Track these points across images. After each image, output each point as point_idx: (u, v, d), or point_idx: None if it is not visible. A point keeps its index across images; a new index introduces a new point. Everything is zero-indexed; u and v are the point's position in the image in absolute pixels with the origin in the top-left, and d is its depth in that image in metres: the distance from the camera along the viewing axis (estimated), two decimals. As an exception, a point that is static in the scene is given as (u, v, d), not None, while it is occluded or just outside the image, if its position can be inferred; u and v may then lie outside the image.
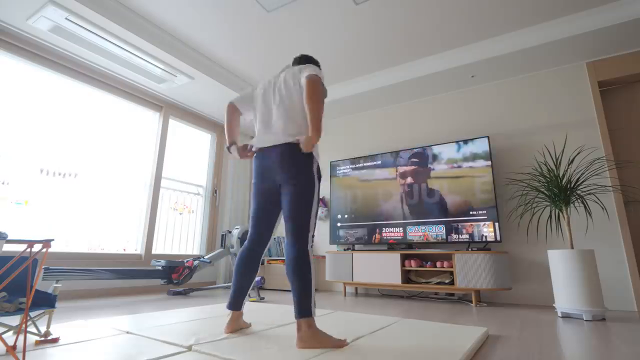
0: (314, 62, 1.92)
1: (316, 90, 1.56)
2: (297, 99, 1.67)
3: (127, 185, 3.76)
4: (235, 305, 1.64)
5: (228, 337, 1.52)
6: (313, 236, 1.58)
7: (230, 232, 4.19)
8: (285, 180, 1.59)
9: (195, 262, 3.58)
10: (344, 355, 1.26)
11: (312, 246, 1.56)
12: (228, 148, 1.82)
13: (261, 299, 3.11)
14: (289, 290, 4.07)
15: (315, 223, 1.61)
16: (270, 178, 1.64)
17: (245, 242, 1.72)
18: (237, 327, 1.65)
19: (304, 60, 1.90)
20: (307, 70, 1.65)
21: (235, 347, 1.37)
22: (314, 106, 1.54)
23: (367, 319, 2.02)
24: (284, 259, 4.29)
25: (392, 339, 1.53)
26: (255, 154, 1.71)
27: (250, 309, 2.45)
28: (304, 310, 1.40)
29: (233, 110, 1.86)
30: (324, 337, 1.37)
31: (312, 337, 1.36)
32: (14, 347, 1.24)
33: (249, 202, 5.11)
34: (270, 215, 1.69)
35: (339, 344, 1.37)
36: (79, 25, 2.82)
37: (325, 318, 2.07)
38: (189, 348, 1.35)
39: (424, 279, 3.29)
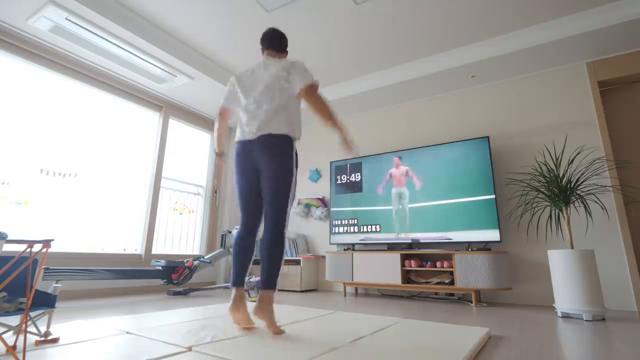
0: (284, 39, 1.96)
1: (322, 100, 1.72)
2: (284, 93, 1.75)
3: (127, 186, 3.76)
4: (239, 282, 1.73)
5: (228, 338, 1.52)
6: (288, 222, 1.74)
7: (230, 232, 4.19)
8: (267, 170, 1.69)
9: (195, 262, 3.58)
10: (346, 355, 1.26)
11: (287, 228, 1.72)
12: (218, 155, 1.94)
13: (261, 299, 3.10)
14: (289, 290, 4.07)
15: (291, 207, 1.75)
16: (252, 167, 1.74)
17: (239, 227, 1.81)
18: (241, 307, 1.67)
19: (280, 41, 1.93)
20: (302, 74, 1.74)
21: (235, 347, 1.37)
22: (328, 113, 1.72)
23: (368, 319, 2.02)
24: (284, 259, 4.29)
25: (394, 339, 1.53)
26: (237, 143, 1.79)
27: (251, 309, 2.45)
28: (270, 283, 1.62)
29: (225, 114, 1.95)
30: (273, 317, 1.59)
31: (269, 312, 1.58)
32: (14, 347, 1.24)
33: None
34: (256, 201, 1.79)
35: (277, 331, 1.57)
36: (79, 25, 2.82)
37: (326, 318, 2.07)
38: (189, 348, 1.35)
39: (424, 279, 3.29)
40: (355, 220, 3.87)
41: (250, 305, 2.51)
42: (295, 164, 1.74)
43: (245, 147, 1.75)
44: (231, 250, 4.06)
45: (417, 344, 1.45)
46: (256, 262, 4.46)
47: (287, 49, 1.99)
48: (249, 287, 3.19)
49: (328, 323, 1.91)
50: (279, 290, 4.16)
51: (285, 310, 2.39)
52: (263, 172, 1.71)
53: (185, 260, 3.55)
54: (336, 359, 1.21)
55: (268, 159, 1.68)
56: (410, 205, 3.54)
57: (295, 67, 1.77)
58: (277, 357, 1.23)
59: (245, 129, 1.77)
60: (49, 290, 1.51)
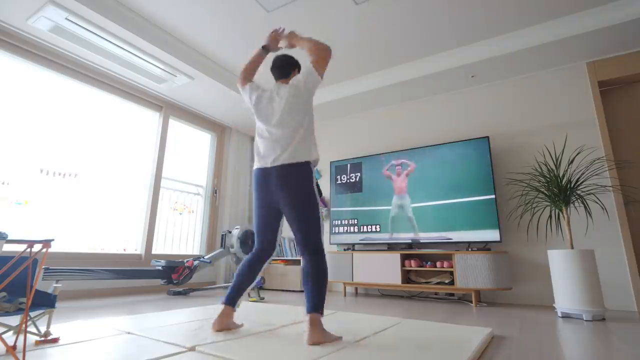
0: (296, 64, 1.97)
1: (319, 48, 1.77)
2: (297, 117, 1.74)
3: (127, 186, 3.76)
4: (230, 301, 1.69)
5: (230, 338, 1.52)
6: (322, 240, 1.69)
7: (230, 232, 4.19)
8: (289, 199, 1.66)
9: (195, 262, 3.58)
10: (349, 356, 1.26)
11: (323, 248, 1.67)
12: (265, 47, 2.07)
13: (261, 299, 3.11)
14: (289, 291, 4.07)
15: (322, 225, 1.71)
16: (271, 196, 1.72)
17: (254, 248, 1.80)
18: (225, 323, 1.66)
19: (285, 68, 1.93)
20: (307, 71, 1.76)
21: (239, 347, 1.36)
22: (314, 45, 1.78)
23: (370, 320, 2.02)
24: (284, 259, 4.29)
25: (397, 339, 1.53)
26: (255, 171, 1.79)
27: (251, 309, 2.45)
28: (317, 307, 1.52)
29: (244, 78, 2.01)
30: (328, 336, 1.49)
31: (321, 333, 1.47)
32: (14, 347, 1.24)
33: (249, 202, 5.11)
34: (272, 227, 1.78)
35: (337, 340, 1.50)
36: (79, 25, 2.82)
37: (328, 318, 2.07)
38: (192, 349, 1.34)
39: (424, 279, 3.29)
40: (355, 220, 3.87)
41: (251, 305, 2.51)
42: (315, 188, 1.72)
43: (264, 176, 1.73)
44: (231, 250, 4.06)
45: (420, 344, 1.45)
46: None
47: (297, 69, 1.98)
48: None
49: (330, 323, 1.91)
50: (279, 290, 4.16)
51: (286, 310, 2.39)
52: (285, 202, 1.68)
53: (185, 260, 3.55)
54: (342, 359, 1.21)
55: (287, 189, 1.66)
56: (410, 205, 3.54)
57: (299, 81, 1.78)
58: (281, 357, 1.23)
59: (262, 158, 1.76)
60: (49, 290, 1.51)
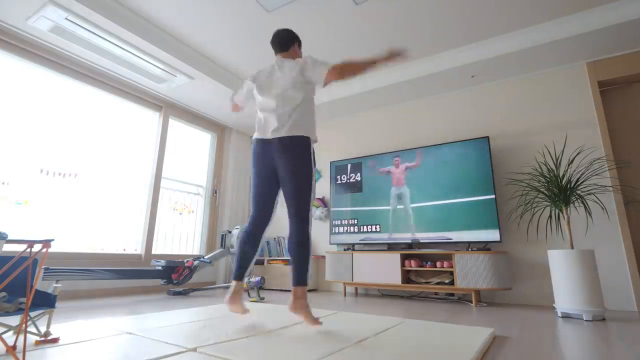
0: (296, 37, 2.02)
1: (348, 67, 1.76)
2: (299, 94, 1.81)
3: (127, 186, 3.76)
4: (239, 276, 1.80)
5: (232, 339, 1.52)
6: (312, 218, 1.80)
7: (230, 232, 4.19)
8: (287, 171, 1.74)
9: (195, 262, 3.58)
10: (352, 356, 1.26)
11: (311, 227, 1.77)
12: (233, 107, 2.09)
13: (261, 299, 3.11)
14: (289, 290, 4.07)
15: (312, 206, 1.80)
16: (270, 165, 1.80)
17: (249, 220, 1.86)
18: (237, 298, 1.77)
19: (285, 41, 1.98)
20: (316, 68, 1.79)
21: (241, 348, 1.36)
22: (359, 67, 1.76)
23: (371, 320, 2.02)
24: (284, 259, 4.29)
25: (399, 340, 1.53)
26: (255, 140, 1.85)
27: (252, 310, 2.45)
28: (301, 279, 1.69)
29: (236, 108, 2.11)
30: (309, 311, 1.67)
31: (304, 307, 1.66)
32: (14, 347, 1.24)
33: (249, 202, 5.11)
34: (270, 197, 1.85)
35: (316, 322, 1.67)
36: (79, 25, 2.82)
37: (329, 319, 2.06)
38: (193, 349, 1.34)
39: (424, 279, 3.29)
40: (355, 220, 3.87)
41: (253, 305, 2.51)
42: (313, 163, 1.79)
43: (264, 146, 1.80)
44: (231, 250, 4.06)
45: (422, 344, 1.45)
46: (256, 262, 4.46)
47: (297, 42, 2.02)
48: (248, 287, 3.19)
49: (331, 324, 1.90)
50: (280, 290, 4.16)
51: (286, 311, 2.39)
52: (282, 174, 1.76)
53: (185, 260, 3.55)
54: None
55: (287, 161, 1.74)
56: (410, 205, 3.54)
57: (306, 63, 1.82)
58: (284, 358, 1.23)
59: (263, 129, 1.82)
60: (49, 290, 1.51)
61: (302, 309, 1.66)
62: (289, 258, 4.19)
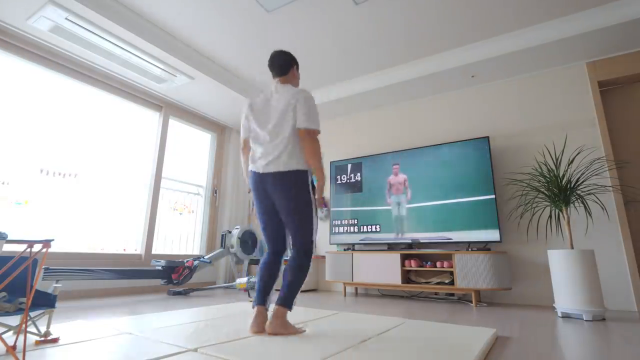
0: (294, 60, 1.93)
1: (314, 148, 1.70)
2: (290, 126, 1.73)
3: (127, 186, 3.76)
4: (262, 301, 1.71)
5: (232, 340, 1.52)
6: (314, 244, 1.77)
7: (230, 232, 4.19)
8: (284, 207, 1.70)
9: (195, 262, 3.58)
10: (354, 357, 1.25)
11: (314, 253, 1.73)
12: (250, 191, 1.92)
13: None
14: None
15: (316, 231, 1.76)
16: (268, 198, 1.75)
17: (266, 252, 1.83)
18: (263, 322, 1.65)
19: (285, 65, 1.88)
20: (306, 113, 1.71)
21: (243, 349, 1.36)
22: (316, 162, 1.70)
23: (373, 320, 2.02)
24: (284, 259, 4.28)
25: (401, 340, 1.53)
26: (251, 174, 1.79)
27: (251, 311, 2.45)
28: (287, 302, 1.63)
29: (247, 146, 1.92)
30: (288, 326, 1.61)
31: (282, 325, 1.60)
32: (14, 347, 1.24)
33: (249, 202, 5.11)
34: (277, 227, 1.80)
35: (298, 332, 1.62)
36: (79, 25, 2.82)
37: (331, 319, 2.06)
38: (194, 350, 1.34)
39: (424, 279, 3.29)
40: (355, 220, 3.86)
41: (250, 317, 2.50)
42: (312, 195, 1.74)
43: (260, 180, 1.74)
44: (231, 250, 4.07)
45: (425, 345, 1.44)
46: (256, 262, 4.46)
47: (295, 65, 1.96)
48: (249, 287, 3.19)
49: (333, 324, 1.90)
50: (279, 290, 4.16)
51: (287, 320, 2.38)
52: (281, 207, 1.71)
53: (185, 260, 3.55)
54: None
55: (282, 195, 1.68)
56: (410, 205, 3.54)
57: (302, 100, 1.74)
58: (284, 359, 1.23)
59: (257, 162, 1.76)
60: (49, 290, 1.51)
61: (282, 328, 1.58)
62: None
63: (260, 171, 1.73)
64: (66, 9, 2.66)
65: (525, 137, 3.37)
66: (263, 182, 1.73)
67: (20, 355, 1.19)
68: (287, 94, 1.77)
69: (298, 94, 1.76)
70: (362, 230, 3.79)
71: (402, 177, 3.67)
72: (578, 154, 3.10)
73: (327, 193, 4.46)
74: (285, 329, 1.59)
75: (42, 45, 3.10)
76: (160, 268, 3.41)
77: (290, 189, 1.67)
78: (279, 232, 1.80)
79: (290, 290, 1.65)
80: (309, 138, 1.70)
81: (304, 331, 1.65)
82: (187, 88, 3.92)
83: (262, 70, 3.84)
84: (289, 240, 1.80)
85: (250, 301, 2.98)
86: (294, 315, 2.15)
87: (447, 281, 3.15)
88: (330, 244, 4.00)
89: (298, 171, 1.70)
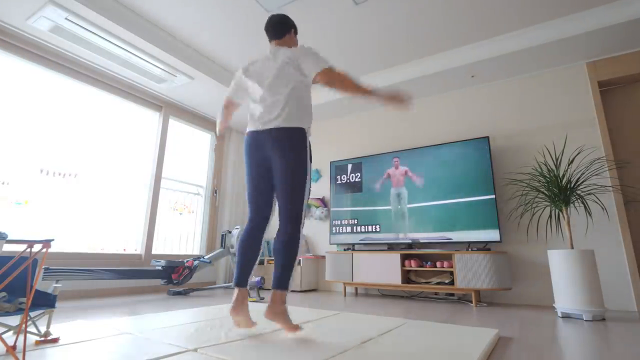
0: (292, 24, 1.90)
1: (343, 77, 1.65)
2: (294, 82, 1.69)
3: (127, 186, 3.75)
4: (241, 282, 1.64)
5: (232, 340, 1.51)
6: (305, 217, 1.66)
7: (230, 232, 4.19)
8: (280, 163, 1.62)
9: (195, 262, 3.58)
10: (357, 357, 1.25)
11: (303, 225, 1.64)
12: (218, 138, 1.86)
13: (261, 299, 3.11)
14: (290, 290, 4.06)
15: (307, 205, 1.67)
16: (263, 159, 1.68)
17: (247, 223, 1.73)
18: (243, 306, 1.60)
19: (280, 27, 1.85)
20: (314, 61, 1.68)
21: (243, 350, 1.36)
22: (354, 86, 1.64)
23: (374, 321, 2.01)
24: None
25: (403, 340, 1.52)
26: (248, 133, 1.73)
27: (252, 310, 2.45)
28: (282, 283, 1.55)
29: (230, 106, 1.92)
30: (287, 317, 1.54)
31: (281, 313, 1.52)
32: (14, 347, 1.24)
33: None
34: (267, 193, 1.72)
35: (294, 329, 1.53)
36: (79, 25, 2.82)
37: (331, 319, 2.06)
38: (194, 350, 1.34)
39: (423, 279, 3.29)
40: (355, 220, 3.86)
41: (252, 305, 2.51)
42: (309, 156, 1.68)
43: (257, 139, 1.68)
44: (231, 250, 4.06)
45: (427, 345, 1.44)
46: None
47: (293, 29, 1.92)
48: (249, 287, 3.19)
49: (334, 324, 1.90)
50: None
51: (288, 311, 2.38)
52: (276, 166, 1.64)
53: (185, 260, 3.55)
54: None
55: (280, 152, 1.61)
56: (410, 205, 3.54)
57: (305, 53, 1.71)
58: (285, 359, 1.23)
59: (256, 120, 1.70)
60: (49, 290, 1.51)
61: (279, 315, 1.52)
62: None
63: (260, 128, 1.67)
64: (66, 9, 2.66)
65: (525, 137, 3.37)
66: (261, 141, 1.66)
67: (20, 355, 1.18)
68: (287, 52, 1.74)
69: (296, 49, 1.74)
70: (362, 230, 3.79)
71: (402, 169, 3.67)
72: (578, 154, 3.10)
73: (327, 192, 4.46)
74: (282, 317, 1.52)
75: (42, 45, 3.10)
76: (160, 268, 3.41)
77: (288, 146, 1.61)
78: (267, 194, 1.71)
79: (283, 269, 1.55)
80: (332, 73, 1.66)
81: (301, 329, 1.55)
82: (187, 88, 3.92)
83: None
84: (276, 210, 1.70)
85: (252, 300, 2.98)
86: (295, 316, 2.15)
87: (447, 281, 3.15)
88: (330, 244, 4.00)
89: (297, 128, 1.64)
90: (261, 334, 1.61)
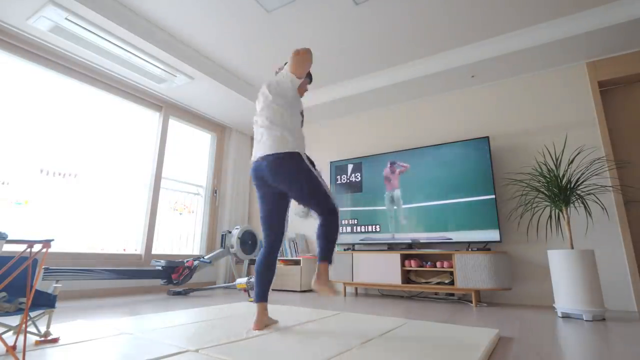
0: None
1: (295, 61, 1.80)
2: (275, 109, 1.80)
3: (127, 186, 3.76)
4: (262, 297, 1.80)
5: (233, 340, 1.51)
6: (334, 198, 1.80)
7: (230, 232, 4.19)
8: (285, 186, 1.74)
9: (195, 262, 3.58)
10: (358, 358, 1.25)
11: (337, 206, 1.79)
12: None
13: (261, 299, 3.10)
14: (289, 290, 4.07)
15: (328, 189, 1.79)
16: (268, 186, 1.79)
17: (264, 245, 1.86)
18: (265, 320, 1.77)
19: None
20: (286, 76, 1.84)
21: (245, 350, 1.36)
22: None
23: (375, 320, 2.01)
24: (284, 259, 4.29)
25: (404, 340, 1.52)
26: (252, 163, 1.85)
27: (252, 310, 2.45)
28: (327, 257, 1.73)
29: None
30: (332, 286, 1.70)
31: (326, 281, 1.70)
32: (14, 347, 1.24)
33: (249, 202, 5.12)
34: (278, 216, 1.85)
35: (333, 291, 1.69)
36: (79, 25, 2.82)
37: (332, 319, 2.06)
38: (195, 350, 1.34)
39: (423, 279, 3.29)
40: (355, 220, 3.86)
41: (250, 317, 2.51)
42: (310, 164, 1.79)
43: (258, 167, 1.79)
44: (231, 250, 4.07)
45: (428, 345, 1.44)
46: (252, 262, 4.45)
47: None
48: (249, 287, 3.19)
49: (334, 324, 1.90)
50: (279, 290, 4.16)
51: (288, 311, 2.39)
52: (286, 189, 1.75)
53: (185, 260, 3.55)
54: None
55: (280, 178, 1.72)
56: (410, 205, 3.54)
57: (282, 75, 1.87)
58: (288, 359, 1.23)
59: (255, 149, 1.83)
60: (49, 290, 1.51)
61: (326, 284, 1.69)
62: (289, 258, 4.20)
63: (259, 155, 1.77)
64: (66, 9, 2.66)
65: (525, 137, 3.37)
66: (261, 169, 1.77)
67: (20, 356, 1.18)
68: (274, 80, 1.90)
69: (280, 76, 1.88)
70: (362, 230, 3.79)
71: (397, 172, 3.68)
72: (578, 154, 3.10)
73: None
74: (328, 286, 1.69)
75: (42, 45, 3.10)
76: (160, 268, 3.41)
77: (284, 170, 1.71)
78: (278, 216, 1.84)
79: (328, 247, 1.73)
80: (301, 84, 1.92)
81: (337, 292, 1.78)
82: (187, 88, 3.92)
83: (262, 70, 3.84)
84: (312, 210, 1.83)
85: (251, 301, 2.98)
86: (295, 316, 2.15)
87: (447, 281, 3.15)
88: (330, 244, 3.99)
89: (290, 153, 1.72)
90: (261, 334, 1.61)
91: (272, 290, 4.18)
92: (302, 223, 4.57)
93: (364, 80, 3.90)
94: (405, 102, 4.17)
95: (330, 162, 4.24)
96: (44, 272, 2.61)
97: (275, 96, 1.83)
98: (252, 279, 3.17)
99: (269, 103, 1.83)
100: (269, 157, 1.72)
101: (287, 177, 1.71)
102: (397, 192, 3.62)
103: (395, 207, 3.62)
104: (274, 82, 1.88)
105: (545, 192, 2.71)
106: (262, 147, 1.76)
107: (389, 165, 3.78)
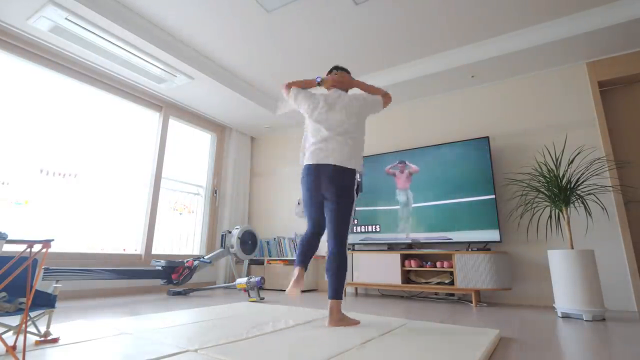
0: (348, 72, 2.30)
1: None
2: (360, 130, 2.03)
3: (127, 186, 3.76)
4: (303, 263, 1.94)
5: (233, 341, 1.51)
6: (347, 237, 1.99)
7: (230, 232, 4.19)
8: (332, 196, 1.91)
9: (195, 262, 3.58)
10: (358, 358, 1.25)
11: (347, 245, 1.97)
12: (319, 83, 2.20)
13: (261, 299, 3.11)
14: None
15: (351, 227, 2.04)
16: (319, 188, 1.96)
17: (308, 229, 2.05)
18: (301, 280, 1.89)
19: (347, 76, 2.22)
20: (364, 96, 2.10)
21: (245, 350, 1.36)
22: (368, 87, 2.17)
23: (375, 321, 2.01)
24: (284, 259, 4.28)
25: (404, 341, 1.52)
26: (307, 165, 1.99)
27: (252, 310, 2.45)
28: (337, 294, 1.83)
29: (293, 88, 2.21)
30: (347, 319, 1.84)
31: (341, 319, 1.82)
32: (14, 347, 1.24)
33: (249, 203, 5.12)
34: (321, 213, 2.03)
35: (356, 323, 1.84)
36: (79, 25, 2.82)
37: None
38: (195, 350, 1.33)
39: (424, 279, 3.29)
40: (356, 220, 3.86)
41: (250, 317, 2.51)
42: (357, 192, 2.00)
43: (315, 170, 1.94)
44: (231, 250, 4.07)
45: (428, 345, 1.44)
46: (256, 262, 4.46)
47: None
48: (249, 287, 3.19)
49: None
50: (281, 290, 4.16)
51: (286, 311, 2.39)
52: (328, 197, 1.93)
53: (185, 260, 3.55)
54: (338, 360, 1.20)
55: (334, 188, 1.90)
56: (410, 205, 3.54)
57: (364, 98, 2.09)
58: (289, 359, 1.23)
59: (317, 153, 1.96)
60: (49, 290, 1.51)
61: (340, 321, 1.80)
62: (289, 258, 4.19)
63: (321, 162, 1.93)
64: (66, 9, 2.66)
65: (525, 137, 3.37)
66: (318, 173, 1.93)
67: (20, 356, 1.18)
68: (360, 98, 2.09)
69: (362, 96, 2.12)
70: (362, 230, 3.79)
71: (407, 172, 3.67)
72: (578, 154, 3.10)
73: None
74: (344, 322, 1.81)
75: (42, 45, 3.10)
76: (160, 268, 3.41)
77: (342, 184, 1.91)
78: (321, 214, 2.02)
79: (338, 283, 1.83)
80: (385, 101, 2.16)
81: (359, 322, 1.87)
82: (187, 88, 3.92)
83: (262, 70, 3.84)
84: (328, 233, 1.99)
85: (251, 301, 2.98)
86: (295, 316, 2.15)
87: (447, 281, 3.15)
88: (330, 244, 3.99)
89: (352, 170, 1.95)
90: (261, 334, 1.61)
91: (272, 289, 4.18)
92: (302, 223, 4.57)
93: (364, 80, 3.89)
94: (405, 102, 4.17)
95: (330, 162, 4.23)
96: (44, 272, 2.61)
97: (359, 111, 2.05)
98: (252, 279, 3.17)
99: (352, 116, 2.02)
100: (336, 167, 1.93)
101: (340, 187, 1.92)
102: (410, 194, 3.60)
103: (407, 207, 3.62)
104: (363, 99, 2.07)
105: (545, 192, 2.71)
106: (333, 156, 1.95)
107: (394, 166, 3.77)
